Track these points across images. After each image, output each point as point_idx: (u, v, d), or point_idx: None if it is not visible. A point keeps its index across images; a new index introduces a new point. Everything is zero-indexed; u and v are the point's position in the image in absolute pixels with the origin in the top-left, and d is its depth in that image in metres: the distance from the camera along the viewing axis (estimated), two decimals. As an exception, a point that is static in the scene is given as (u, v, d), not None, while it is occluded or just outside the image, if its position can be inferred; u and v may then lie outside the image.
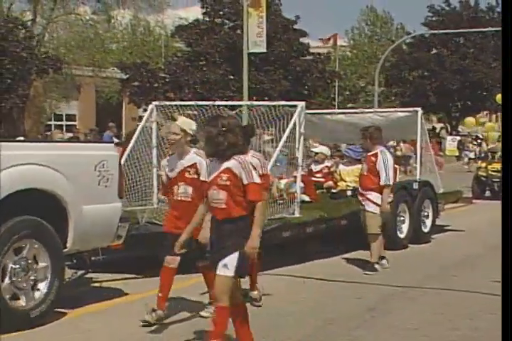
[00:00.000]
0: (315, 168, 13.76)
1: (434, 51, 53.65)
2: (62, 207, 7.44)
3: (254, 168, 6.14)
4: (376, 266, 10.38)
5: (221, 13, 40.78)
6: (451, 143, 40.80)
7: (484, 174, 22.60)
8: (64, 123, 41.13)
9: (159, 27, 49.68)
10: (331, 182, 13.45)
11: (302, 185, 11.54)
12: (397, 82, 53.70)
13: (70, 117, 42.42)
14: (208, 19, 40.79)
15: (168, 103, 12.47)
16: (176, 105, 11.88)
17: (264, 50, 28.55)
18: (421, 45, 53.36)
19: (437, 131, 50.34)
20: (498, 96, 29.19)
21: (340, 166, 13.59)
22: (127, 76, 39.19)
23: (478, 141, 36.58)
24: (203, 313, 7.63)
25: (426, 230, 13.39)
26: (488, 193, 22.50)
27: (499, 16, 49.73)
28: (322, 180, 13.51)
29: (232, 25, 40.05)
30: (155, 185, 11.30)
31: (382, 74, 47.91)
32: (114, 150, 8.25)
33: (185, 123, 7.54)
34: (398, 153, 29.91)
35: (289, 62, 39.75)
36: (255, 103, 13.75)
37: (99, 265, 9.14)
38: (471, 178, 23.14)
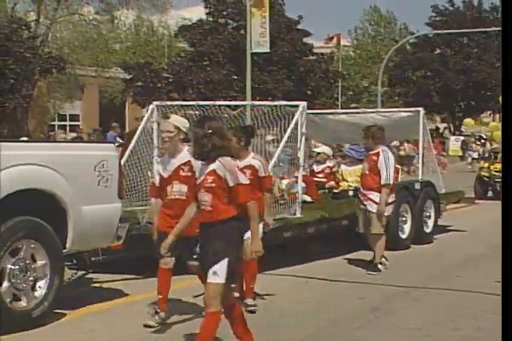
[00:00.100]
0: (317, 168, 13.73)
1: (438, 51, 53.53)
2: (61, 208, 7.42)
3: (254, 169, 6.08)
4: (379, 266, 10.36)
5: (224, 13, 40.75)
6: (454, 143, 40.66)
7: (487, 174, 22.54)
8: (67, 123, 41.16)
9: (163, 27, 49.73)
10: (332, 183, 13.42)
11: (304, 185, 11.51)
12: (400, 82, 53.62)
13: (74, 117, 42.44)
14: (211, 19, 40.75)
15: (169, 103, 12.45)
16: (177, 105, 11.87)
17: (268, 50, 28.46)
18: (424, 45, 53.30)
19: (441, 131, 50.31)
20: (502, 97, 29.10)
21: (342, 166, 13.55)
22: (131, 76, 39.19)
23: (482, 141, 36.53)
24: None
25: (428, 230, 13.36)
26: (490, 193, 22.44)
27: (503, 16, 49.66)
28: (324, 180, 13.49)
29: (235, 26, 40.00)
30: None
31: (385, 74, 47.81)
32: (113, 150, 8.25)
33: (179, 120, 7.46)
34: (401, 153, 29.88)
35: (292, 62, 39.70)
36: (256, 103, 13.72)
37: (99, 265, 9.11)
38: (474, 178, 23.09)
